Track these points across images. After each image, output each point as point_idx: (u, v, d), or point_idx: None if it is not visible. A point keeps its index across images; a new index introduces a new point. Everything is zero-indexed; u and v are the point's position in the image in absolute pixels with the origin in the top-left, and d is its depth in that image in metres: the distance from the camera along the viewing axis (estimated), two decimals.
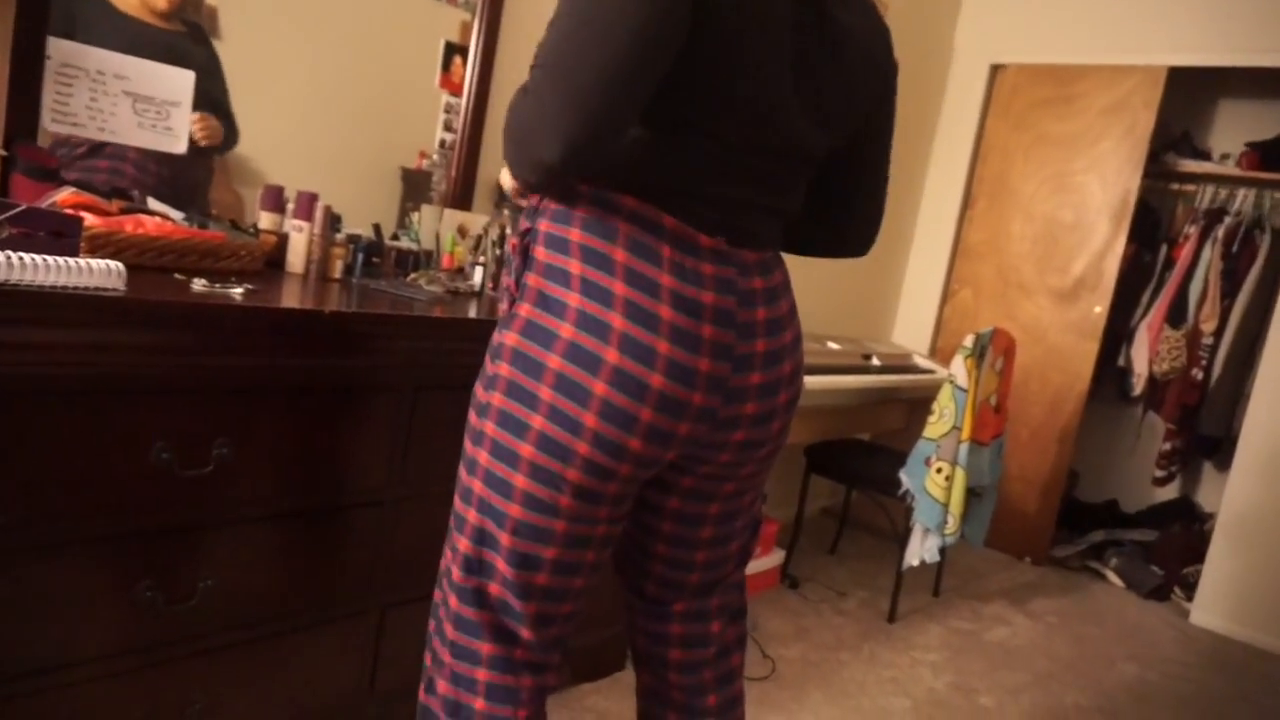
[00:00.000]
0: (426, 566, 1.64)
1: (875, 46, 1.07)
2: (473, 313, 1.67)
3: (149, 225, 1.40)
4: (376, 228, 1.91)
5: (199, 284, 1.31)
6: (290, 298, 1.42)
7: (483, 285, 1.96)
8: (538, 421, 0.98)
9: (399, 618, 1.62)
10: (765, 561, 2.87)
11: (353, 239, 1.79)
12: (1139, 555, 3.62)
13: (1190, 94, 3.83)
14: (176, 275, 1.36)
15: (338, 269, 1.72)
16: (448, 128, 2.05)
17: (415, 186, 2.05)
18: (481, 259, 1.97)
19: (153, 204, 1.56)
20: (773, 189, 1.05)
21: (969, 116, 3.84)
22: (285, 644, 1.46)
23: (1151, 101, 3.39)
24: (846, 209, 1.20)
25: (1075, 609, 3.24)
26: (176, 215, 1.54)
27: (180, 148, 1.65)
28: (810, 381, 2.54)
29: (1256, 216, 3.62)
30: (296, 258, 1.68)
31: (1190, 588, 3.37)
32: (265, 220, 1.69)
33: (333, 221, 1.72)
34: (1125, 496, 4.08)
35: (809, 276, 3.44)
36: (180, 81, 1.62)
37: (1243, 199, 3.68)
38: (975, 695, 2.40)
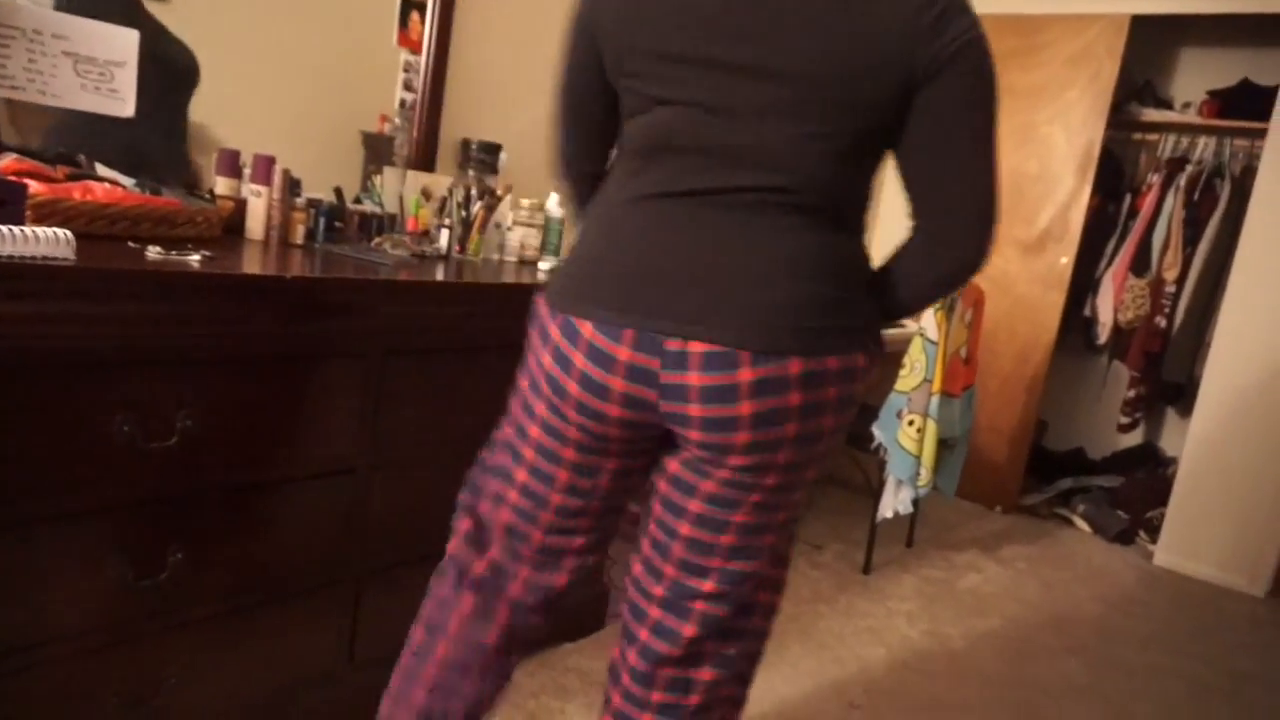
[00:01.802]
0: (402, 533, 1.62)
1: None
2: (440, 275, 1.64)
3: (98, 192, 1.34)
4: (338, 191, 1.86)
5: (154, 252, 1.27)
6: (251, 264, 1.38)
7: (449, 248, 1.92)
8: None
9: (376, 586, 1.61)
10: None
11: (313, 204, 1.74)
12: (1105, 501, 3.70)
13: (1153, 42, 3.84)
14: (130, 243, 1.32)
15: (299, 234, 1.67)
16: (408, 87, 1.99)
17: (377, 150, 2.00)
18: (447, 221, 1.93)
19: (101, 170, 1.50)
20: None
21: None
22: (259, 616, 1.44)
23: (1115, 50, 3.39)
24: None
25: (1044, 555, 3.32)
26: (127, 181, 1.49)
27: (127, 111, 1.58)
28: None
29: (1217, 165, 3.66)
30: (256, 223, 1.63)
31: (1154, 530, 3.46)
32: (222, 186, 1.64)
33: (292, 186, 1.67)
34: (1091, 444, 4.16)
35: None
36: (124, 41, 1.56)
37: (1204, 147, 3.71)
38: (949, 641, 2.45)
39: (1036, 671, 2.36)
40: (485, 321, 1.67)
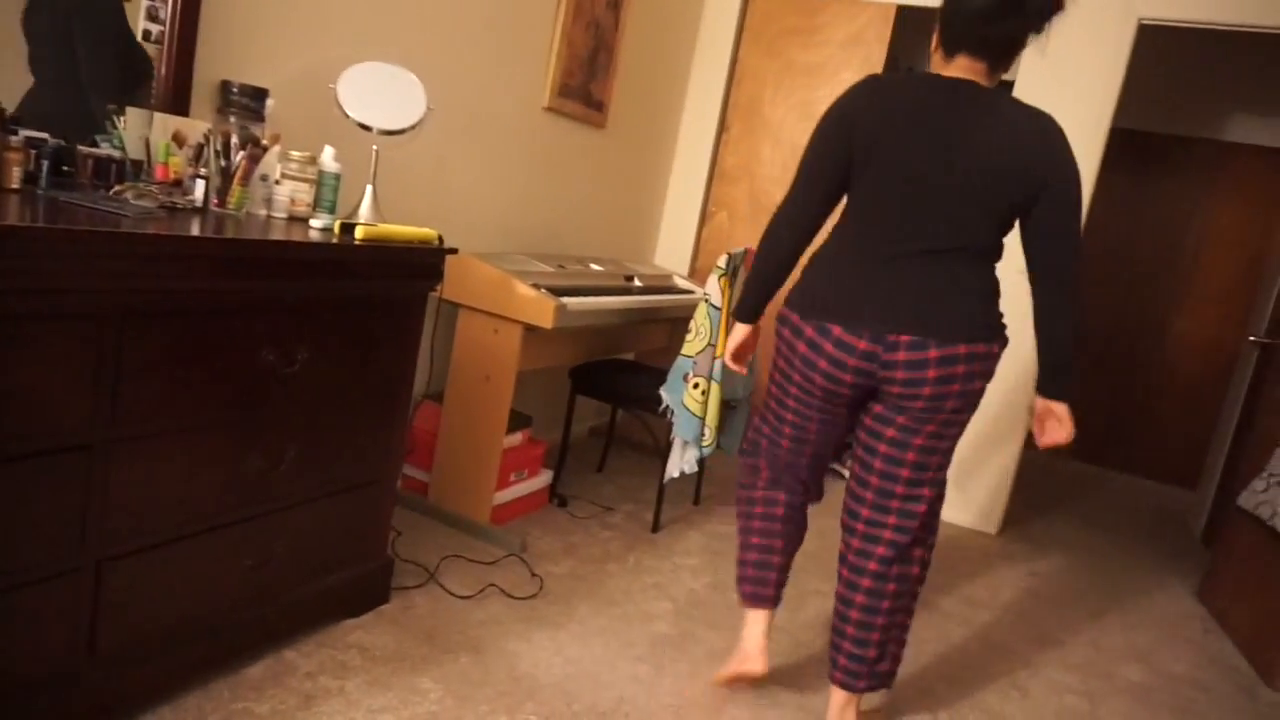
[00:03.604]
0: (153, 510, 1.48)
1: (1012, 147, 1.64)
2: (195, 230, 1.48)
3: None
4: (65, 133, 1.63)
5: None
6: None
7: (206, 200, 1.75)
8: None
9: (122, 571, 1.46)
10: (534, 483, 2.89)
11: (34, 143, 1.52)
12: None
13: (918, 32, 4.16)
14: None
15: (16, 177, 1.45)
16: (152, 17, 1.78)
17: None
18: (204, 171, 1.75)
19: None
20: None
21: (724, 41, 3.94)
22: None
23: (883, 36, 3.65)
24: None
25: (820, 506, 3.56)
26: None
27: None
28: (573, 303, 2.55)
29: None
30: None
31: None
32: None
33: (4, 122, 1.45)
34: None
35: (574, 201, 3.42)
36: None
37: None
38: (730, 593, 2.59)
39: (808, 615, 2.55)
40: (249, 281, 1.54)
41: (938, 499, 1.85)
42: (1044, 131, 1.62)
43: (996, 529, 3.67)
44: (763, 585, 2.01)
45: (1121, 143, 5.17)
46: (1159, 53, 5.06)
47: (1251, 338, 3.58)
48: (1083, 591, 3.18)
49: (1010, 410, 3.57)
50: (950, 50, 1.67)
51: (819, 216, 1.79)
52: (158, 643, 1.56)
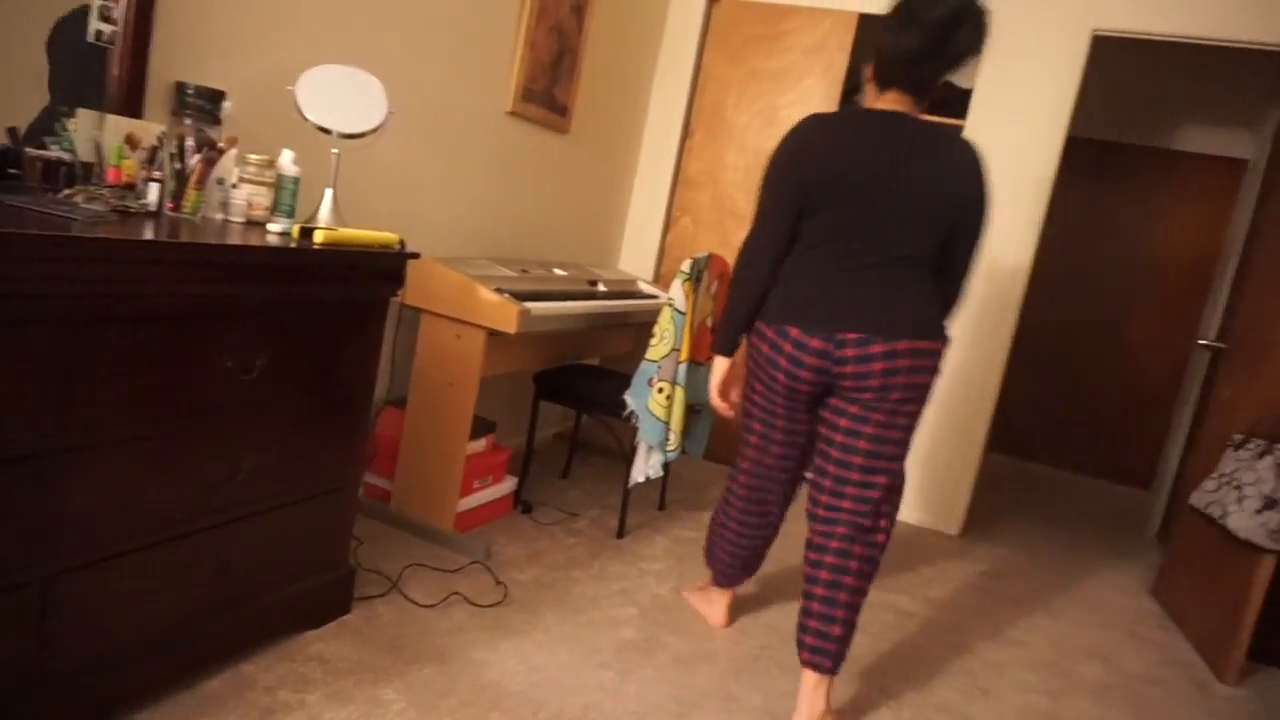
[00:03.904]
0: (107, 523, 1.44)
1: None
2: (149, 234, 1.45)
3: None
4: (12, 132, 1.59)
5: None
6: None
7: (161, 204, 1.71)
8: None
9: (73, 585, 1.41)
10: (498, 489, 2.86)
11: None
12: None
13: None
14: None
15: None
16: (105, 17, 1.74)
17: None
18: (157, 174, 1.72)
19: None
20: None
21: (688, 47, 3.95)
22: None
23: (845, 44, 3.69)
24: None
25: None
26: None
27: None
28: (537, 308, 2.54)
29: None
30: None
31: None
32: None
33: None
34: None
35: (537, 206, 3.41)
36: None
37: None
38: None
39: (773, 618, 2.56)
40: (205, 286, 1.50)
41: (893, 489, 2.00)
42: (972, 161, 1.91)
43: (959, 530, 3.72)
44: (736, 571, 2.35)
45: (1078, 151, 5.28)
46: (1113, 64, 5.18)
47: (1201, 341, 3.67)
48: (1042, 591, 3.23)
49: (971, 414, 3.62)
50: (883, 86, 1.95)
51: (788, 244, 2.01)
52: (111, 659, 1.52)
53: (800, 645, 2.00)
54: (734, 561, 2.33)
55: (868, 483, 1.96)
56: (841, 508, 1.98)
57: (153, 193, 1.69)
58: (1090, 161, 5.28)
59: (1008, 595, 3.12)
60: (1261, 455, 2.66)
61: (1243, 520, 2.59)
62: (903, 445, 1.97)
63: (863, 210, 1.88)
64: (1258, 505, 2.57)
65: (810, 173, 1.90)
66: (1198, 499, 2.87)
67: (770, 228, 1.99)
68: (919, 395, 1.93)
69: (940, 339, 1.92)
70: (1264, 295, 3.04)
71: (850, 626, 1.99)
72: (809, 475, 2.09)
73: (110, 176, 1.69)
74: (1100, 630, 2.95)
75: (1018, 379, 5.53)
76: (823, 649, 1.97)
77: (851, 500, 1.97)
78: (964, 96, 3.79)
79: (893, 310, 1.88)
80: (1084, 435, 5.45)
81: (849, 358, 1.89)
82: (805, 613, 2.00)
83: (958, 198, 1.89)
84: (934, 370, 1.92)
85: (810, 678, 1.98)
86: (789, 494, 2.26)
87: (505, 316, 2.46)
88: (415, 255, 1.99)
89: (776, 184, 1.96)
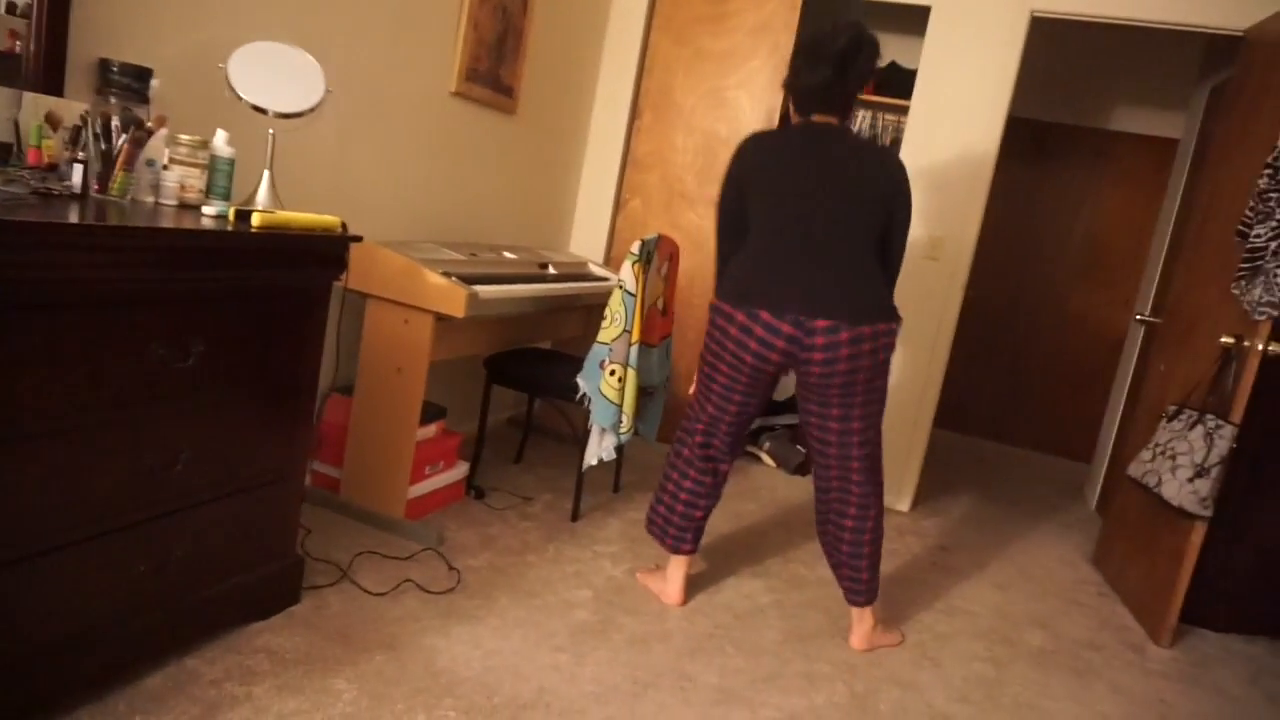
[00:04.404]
0: (31, 518, 1.38)
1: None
2: (73, 218, 1.39)
3: None
4: None
5: None
6: None
7: (85, 186, 1.64)
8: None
9: (0, 583, 1.36)
10: (450, 475, 2.83)
11: None
12: (786, 436, 4.12)
13: (825, 19, 4.22)
14: None
15: None
16: None
17: None
18: (82, 155, 1.65)
19: None
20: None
21: (634, 28, 3.92)
22: None
23: (790, 25, 3.69)
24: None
25: (735, 490, 3.62)
26: None
27: None
28: (486, 291, 2.50)
29: (872, 134, 4.14)
30: None
31: None
32: None
33: None
34: (779, 387, 4.58)
35: (486, 189, 3.36)
36: None
37: (861, 119, 4.18)
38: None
39: (727, 597, 2.58)
40: (134, 270, 1.45)
41: (880, 454, 2.36)
42: (896, 166, 2.21)
43: (909, 506, 3.79)
44: (688, 535, 2.46)
45: (1018, 132, 5.38)
46: (1050, 46, 5.28)
47: (1137, 316, 3.78)
48: (988, 564, 3.31)
49: (920, 394, 3.68)
50: (803, 113, 2.24)
51: (744, 235, 2.31)
52: (45, 656, 1.47)
53: (843, 589, 2.40)
54: (686, 524, 2.45)
55: (866, 453, 2.30)
56: (851, 479, 2.31)
57: (77, 174, 1.62)
58: (1028, 142, 5.38)
59: (956, 569, 3.19)
60: (1193, 425, 2.74)
61: (1175, 489, 2.68)
62: (880, 417, 2.30)
63: (809, 205, 2.15)
64: (1190, 474, 2.66)
65: (753, 182, 2.22)
66: (1134, 469, 2.96)
67: (731, 232, 2.33)
68: (883, 371, 2.22)
69: (895, 320, 2.20)
70: (1193, 271, 3.14)
71: (876, 569, 2.37)
72: (814, 464, 2.37)
73: (30, 157, 1.62)
74: (1043, 599, 3.04)
75: (961, 356, 5.64)
76: (856, 589, 2.36)
77: (858, 474, 2.30)
78: (909, 77, 3.83)
79: (853, 297, 2.14)
80: (1026, 410, 5.59)
81: (818, 345, 2.14)
82: (834, 565, 2.38)
83: (886, 197, 2.18)
84: (891, 347, 2.21)
85: (854, 611, 2.39)
86: (735, 453, 2.46)
87: (453, 300, 2.43)
88: (358, 239, 1.95)
89: (730, 195, 2.29)
